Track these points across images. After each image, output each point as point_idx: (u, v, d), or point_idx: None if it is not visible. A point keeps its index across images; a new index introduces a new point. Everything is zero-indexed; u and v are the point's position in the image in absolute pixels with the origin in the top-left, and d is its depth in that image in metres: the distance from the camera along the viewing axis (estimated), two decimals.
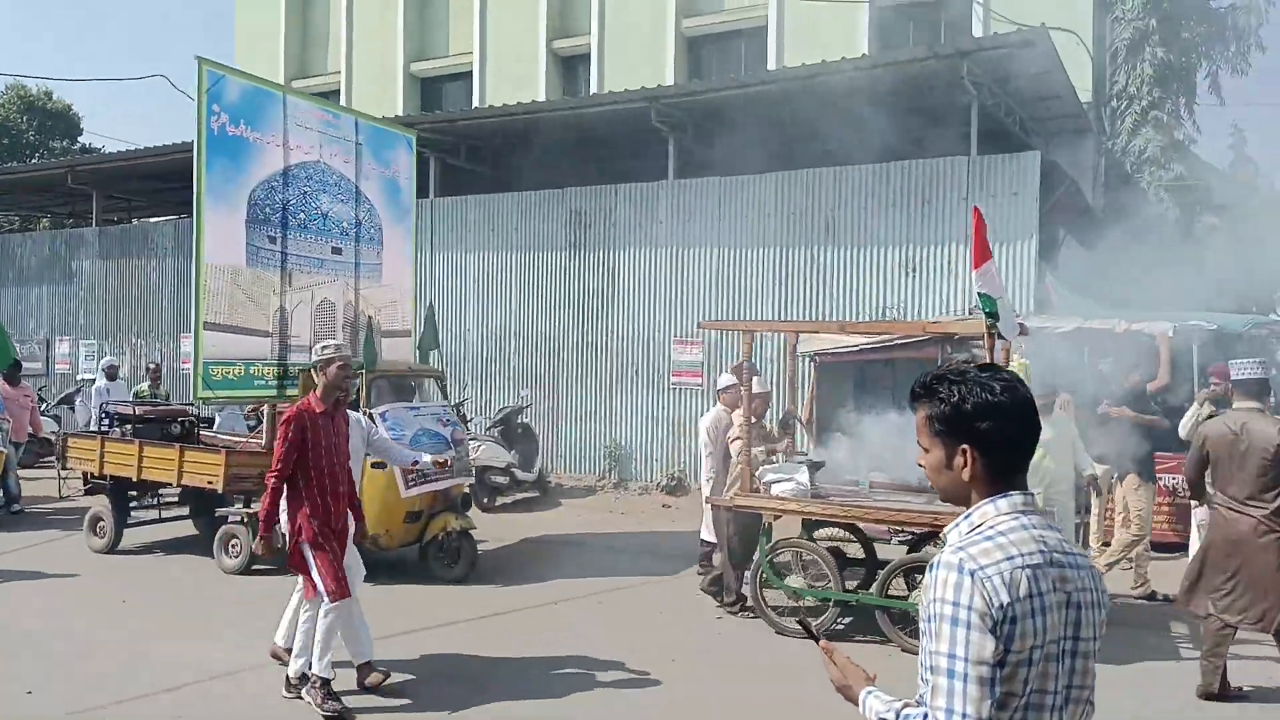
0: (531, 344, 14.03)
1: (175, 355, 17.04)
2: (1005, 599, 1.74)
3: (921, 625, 1.83)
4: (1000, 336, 5.95)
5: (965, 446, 1.86)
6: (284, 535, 5.54)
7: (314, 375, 5.57)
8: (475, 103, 19.92)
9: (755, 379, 7.31)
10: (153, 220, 20.88)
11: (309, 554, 5.38)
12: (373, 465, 7.73)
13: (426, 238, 14.68)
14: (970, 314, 11.06)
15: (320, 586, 5.37)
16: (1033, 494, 1.88)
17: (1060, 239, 13.43)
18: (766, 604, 7.00)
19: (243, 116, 8.34)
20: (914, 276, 11.78)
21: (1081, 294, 12.09)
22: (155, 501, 9.71)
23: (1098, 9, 15.54)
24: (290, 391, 8.79)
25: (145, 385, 13.18)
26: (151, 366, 13.52)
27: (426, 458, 6.37)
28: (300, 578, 5.53)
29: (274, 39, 23.02)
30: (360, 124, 9.55)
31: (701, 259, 13.11)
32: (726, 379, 8.26)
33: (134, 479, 9.04)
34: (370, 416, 7.82)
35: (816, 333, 9.74)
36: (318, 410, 5.41)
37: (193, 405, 11.12)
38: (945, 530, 1.91)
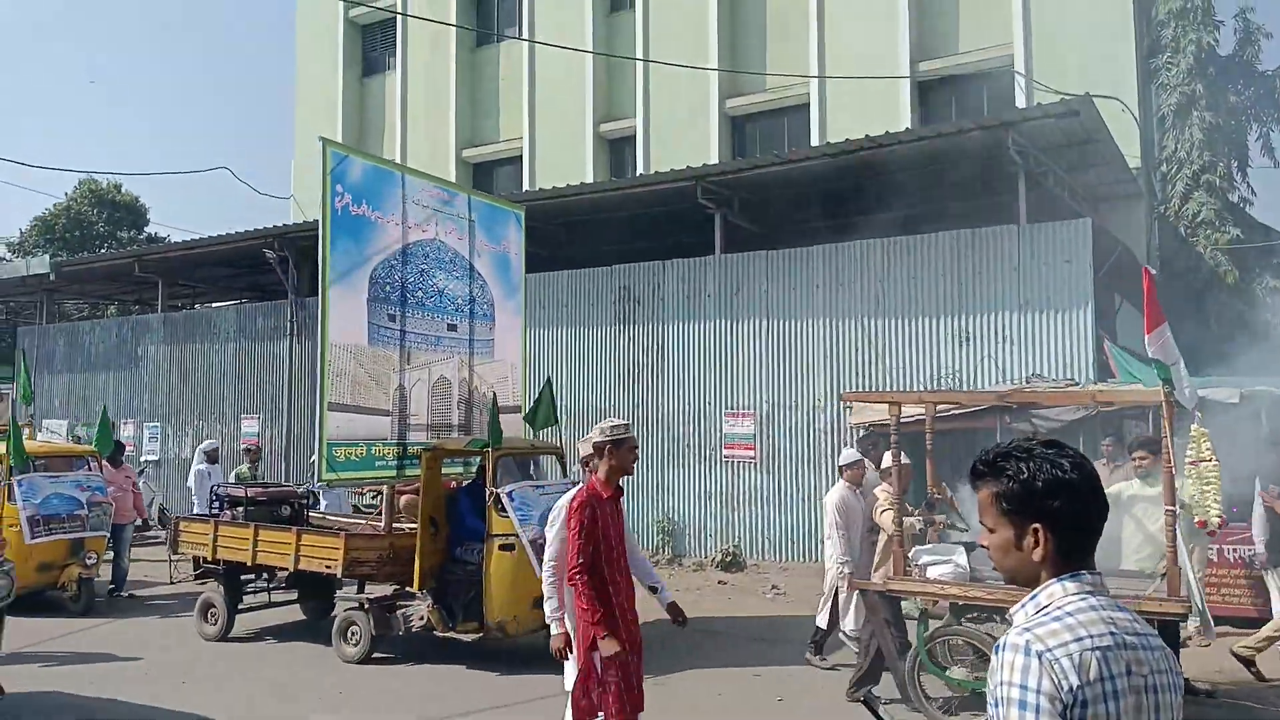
0: (584, 418, 14.11)
1: (235, 436, 17.43)
2: (1075, 681, 1.69)
3: (989, 710, 1.77)
4: (1178, 404, 5.78)
5: (1036, 526, 1.83)
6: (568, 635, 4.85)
7: (594, 458, 4.98)
8: (525, 186, 20.46)
9: (883, 452, 7.10)
10: (215, 305, 21.60)
11: (591, 664, 4.64)
12: (500, 547, 7.63)
13: None
14: (1029, 381, 10.92)
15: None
16: (1099, 574, 1.85)
17: (1117, 305, 13.29)
18: (927, 697, 6.31)
19: (365, 196, 8.41)
20: (968, 345, 11.71)
21: (1144, 361, 11.88)
22: (266, 586, 9.48)
23: (1142, 76, 15.61)
24: (410, 471, 8.68)
25: (245, 467, 12.81)
26: (251, 448, 13.19)
27: (663, 588, 5.22)
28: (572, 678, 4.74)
29: (331, 129, 23.99)
30: (473, 201, 9.65)
31: (750, 332, 13.18)
32: (850, 454, 8.01)
33: (248, 563, 8.85)
34: (498, 496, 7.73)
35: (968, 404, 9.42)
36: (604, 495, 4.86)
37: (300, 486, 11.13)
38: (1011, 611, 1.87)
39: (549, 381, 9.26)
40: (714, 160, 17.65)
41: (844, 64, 17.16)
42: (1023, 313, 11.41)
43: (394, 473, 8.64)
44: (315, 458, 8.23)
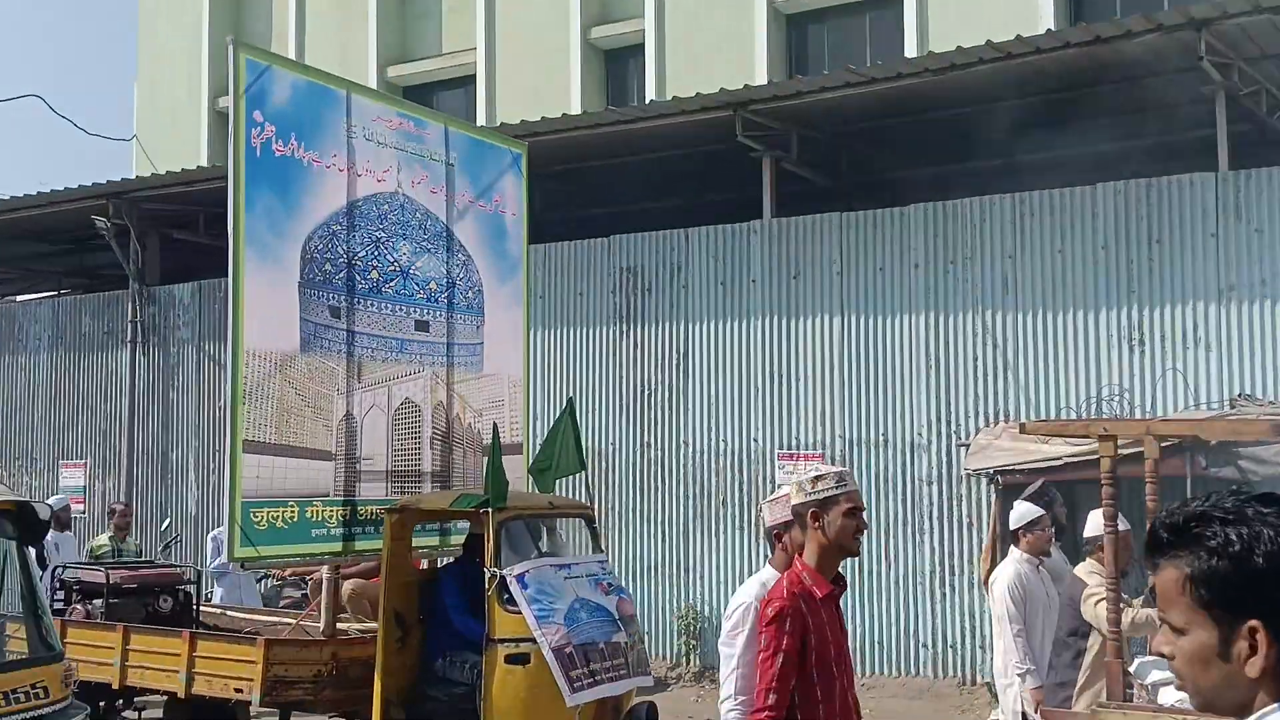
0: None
1: (49, 488, 17.32)
2: None
3: None
4: None
5: (1253, 624, 1.81)
6: None
7: (789, 528, 4.90)
8: (481, 118, 20.45)
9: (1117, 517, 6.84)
10: (20, 299, 21.59)
11: None
12: (508, 659, 7.53)
13: None
14: (1233, 404, 10.82)
15: None
16: None
17: None
18: None
19: (295, 128, 8.23)
20: (1140, 350, 11.67)
21: None
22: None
23: None
24: (364, 544, 8.60)
25: (105, 538, 12.44)
26: (117, 508, 12.80)
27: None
28: None
29: (193, 36, 24.00)
30: (452, 135, 9.55)
31: (816, 333, 13.15)
32: (1028, 509, 7.70)
33: (113, 684, 8.80)
34: (503, 581, 7.64)
35: (1231, 436, 9.22)
36: (819, 592, 4.47)
37: (184, 569, 10.95)
38: None
39: (571, 406, 9.18)
40: (761, 80, 17.63)
41: None
42: (1224, 302, 11.36)
43: (339, 546, 8.50)
44: (217, 532, 8.19)
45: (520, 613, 7.57)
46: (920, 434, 12.62)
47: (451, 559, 9.03)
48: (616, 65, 20.70)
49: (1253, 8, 10.93)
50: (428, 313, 9.25)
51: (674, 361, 13.89)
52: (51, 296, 20.88)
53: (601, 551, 9.04)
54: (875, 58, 16.99)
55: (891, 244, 12.88)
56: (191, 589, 10.05)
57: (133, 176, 18.71)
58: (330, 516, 8.39)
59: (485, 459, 8.80)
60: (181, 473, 16.82)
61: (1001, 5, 16.61)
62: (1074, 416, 11.59)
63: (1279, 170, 11.38)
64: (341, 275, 8.58)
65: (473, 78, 21.45)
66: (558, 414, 9.16)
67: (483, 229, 9.79)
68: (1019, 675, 7.40)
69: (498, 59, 21.08)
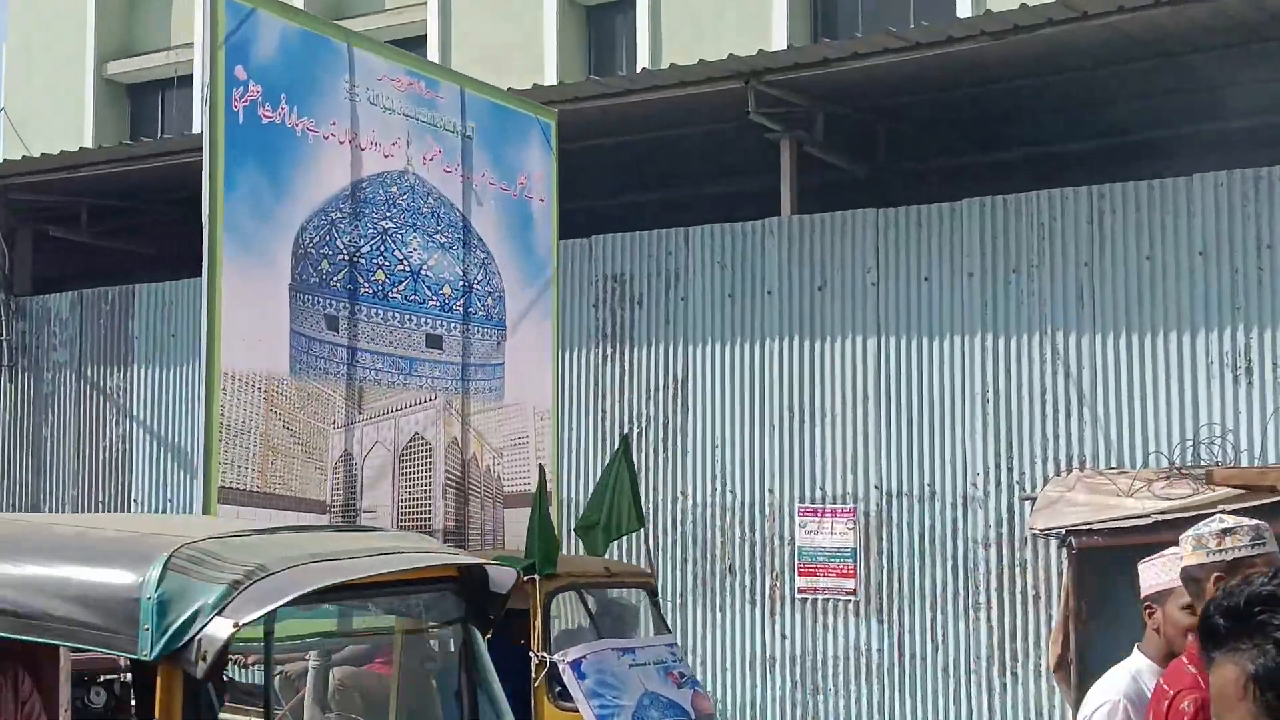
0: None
1: None
2: None
3: None
4: None
5: None
6: None
7: (1168, 601, 4.66)
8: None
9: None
10: None
11: None
12: None
13: None
14: None
15: None
16: None
17: None
18: None
19: (285, 89, 8.27)
20: (1249, 380, 11.73)
21: None
22: None
23: None
24: (361, 621, 8.41)
25: None
26: None
27: None
28: None
29: (75, 7, 24.10)
30: (469, 98, 9.62)
31: (847, 356, 13.18)
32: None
33: None
34: (553, 669, 7.71)
35: None
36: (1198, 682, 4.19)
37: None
38: None
39: (627, 445, 9.18)
40: (780, 45, 17.69)
41: None
42: None
43: (333, 624, 8.36)
44: None
45: (575, 709, 7.60)
46: (975, 484, 12.64)
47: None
48: (601, 25, 20.76)
49: None
50: (441, 325, 9.31)
51: (670, 392, 13.88)
52: None
53: (669, 631, 9.09)
54: (920, 18, 17.04)
55: (940, 247, 12.92)
56: (128, 678, 10.07)
57: None
58: None
59: (497, 508, 9.07)
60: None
61: None
62: (1166, 464, 11.60)
63: None
64: (342, 276, 8.61)
65: (423, 38, 21.44)
66: (627, 455, 9.15)
67: (505, 218, 9.85)
68: None
69: (453, 16, 21.10)
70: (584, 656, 7.79)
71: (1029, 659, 12.27)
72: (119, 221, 18.20)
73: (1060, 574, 11.70)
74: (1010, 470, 12.49)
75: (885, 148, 15.18)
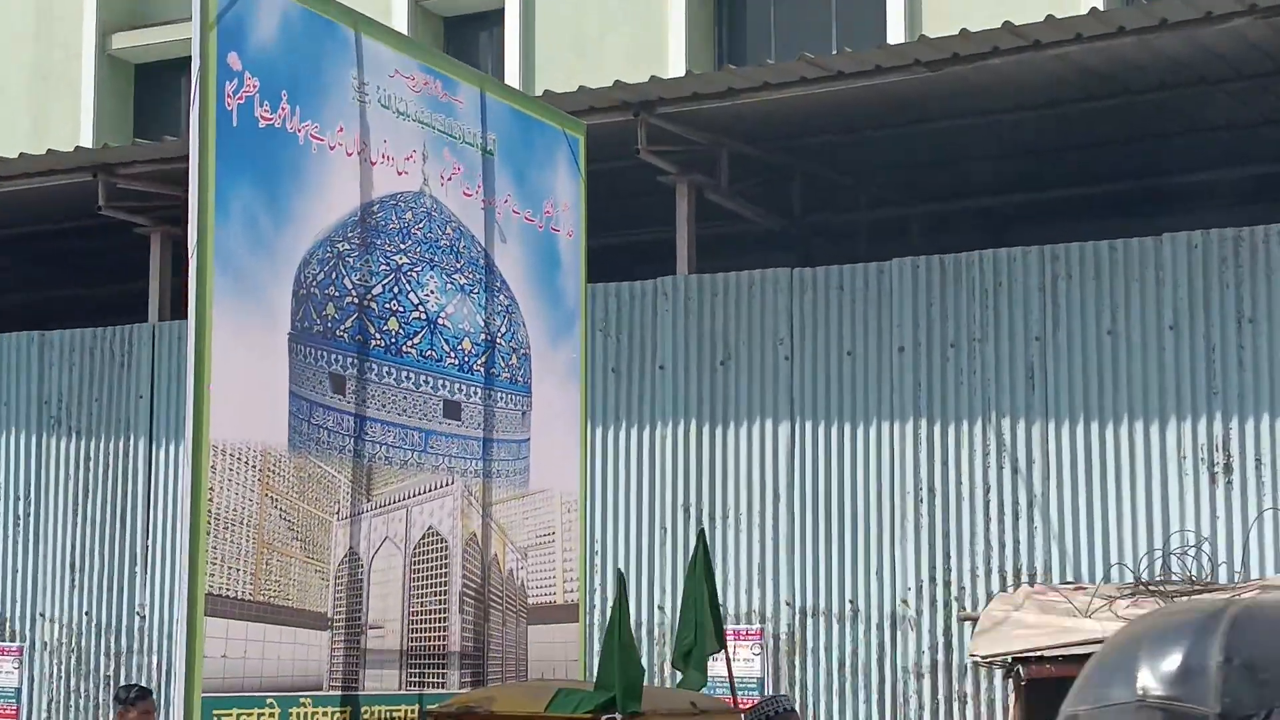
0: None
1: None
2: None
3: None
4: None
5: None
6: None
7: None
8: None
9: None
10: None
11: None
12: None
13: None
14: None
15: None
16: None
17: None
18: None
19: (286, 85, 8.15)
20: (1229, 479, 11.93)
21: None
22: None
23: None
24: None
25: None
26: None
27: None
28: None
29: None
30: (491, 103, 9.57)
31: (750, 443, 13.29)
32: None
33: None
34: None
35: None
36: None
37: None
38: None
39: (703, 540, 9.13)
40: (678, 71, 17.87)
41: None
42: None
43: None
44: None
45: None
46: (906, 601, 12.75)
47: None
48: (460, 40, 20.87)
49: None
50: (460, 389, 9.22)
51: None
52: None
53: None
54: (845, 44, 17.35)
55: (866, 315, 13.06)
56: None
57: None
58: None
59: (520, 624, 8.99)
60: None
61: None
62: (1131, 579, 11.75)
63: None
64: (350, 323, 8.50)
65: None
66: (705, 554, 9.08)
67: (530, 256, 9.81)
68: None
69: None
70: None
71: None
72: None
73: (1006, 709, 11.80)
74: (947, 585, 12.58)
75: (802, 196, 15.40)
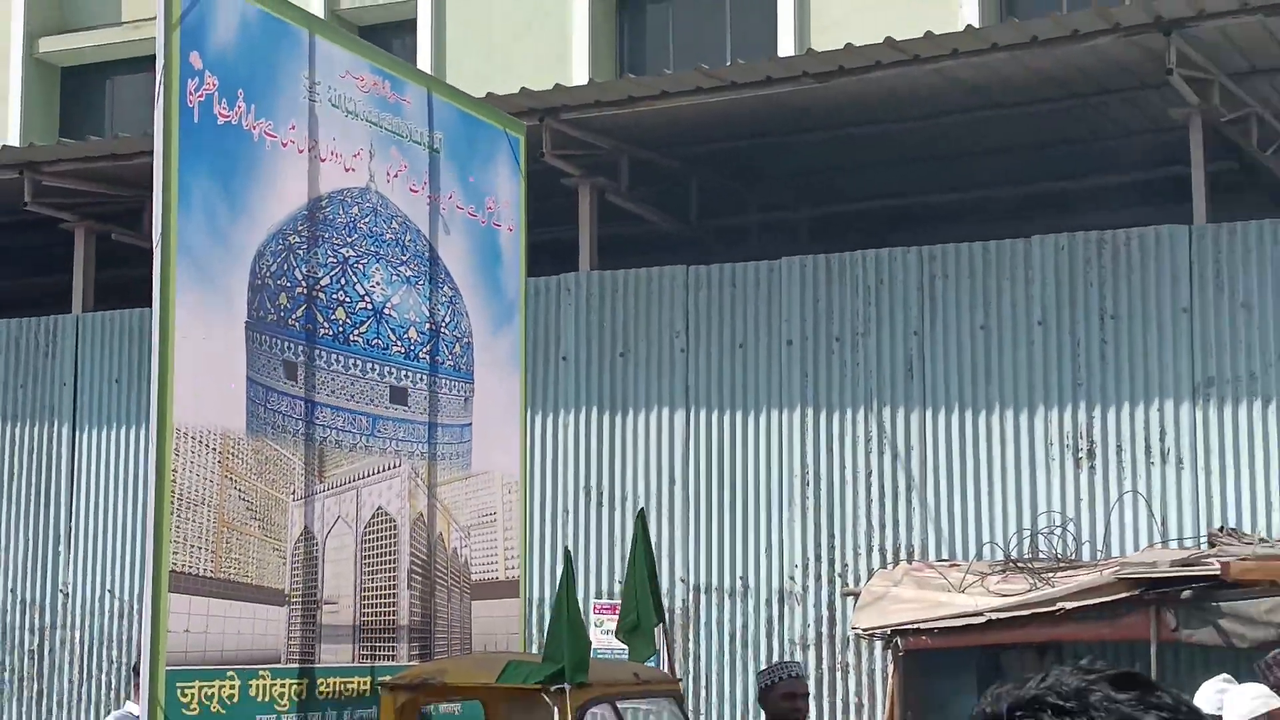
0: None
1: None
2: None
3: None
4: None
5: None
6: None
7: None
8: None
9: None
10: None
11: None
12: None
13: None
14: (1211, 540, 11.35)
15: None
16: None
17: None
18: None
19: (243, 84, 7.95)
20: (1091, 464, 12.16)
21: None
22: None
23: None
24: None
25: None
26: None
27: None
28: None
29: None
30: (437, 103, 9.43)
31: (648, 431, 13.44)
32: (1244, 701, 7.74)
33: None
34: None
35: None
36: None
37: None
38: None
39: (642, 522, 9.03)
40: (580, 79, 17.97)
41: None
42: (1200, 401, 11.94)
43: None
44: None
45: None
46: (792, 578, 12.87)
47: None
48: (376, 43, 20.86)
49: (1239, 5, 11.61)
50: (406, 376, 9.05)
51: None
52: None
53: None
54: (738, 56, 17.48)
55: (756, 311, 13.21)
56: None
57: None
58: (281, 695, 8.04)
59: (464, 599, 8.80)
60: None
61: None
62: (1001, 556, 11.95)
63: (1270, 225, 12.02)
64: (300, 313, 8.31)
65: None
66: (644, 533, 8.94)
67: (473, 249, 9.67)
68: None
69: None
70: None
71: None
72: None
73: (885, 679, 11.99)
74: (831, 562, 12.74)
75: (698, 199, 15.50)
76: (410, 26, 19.79)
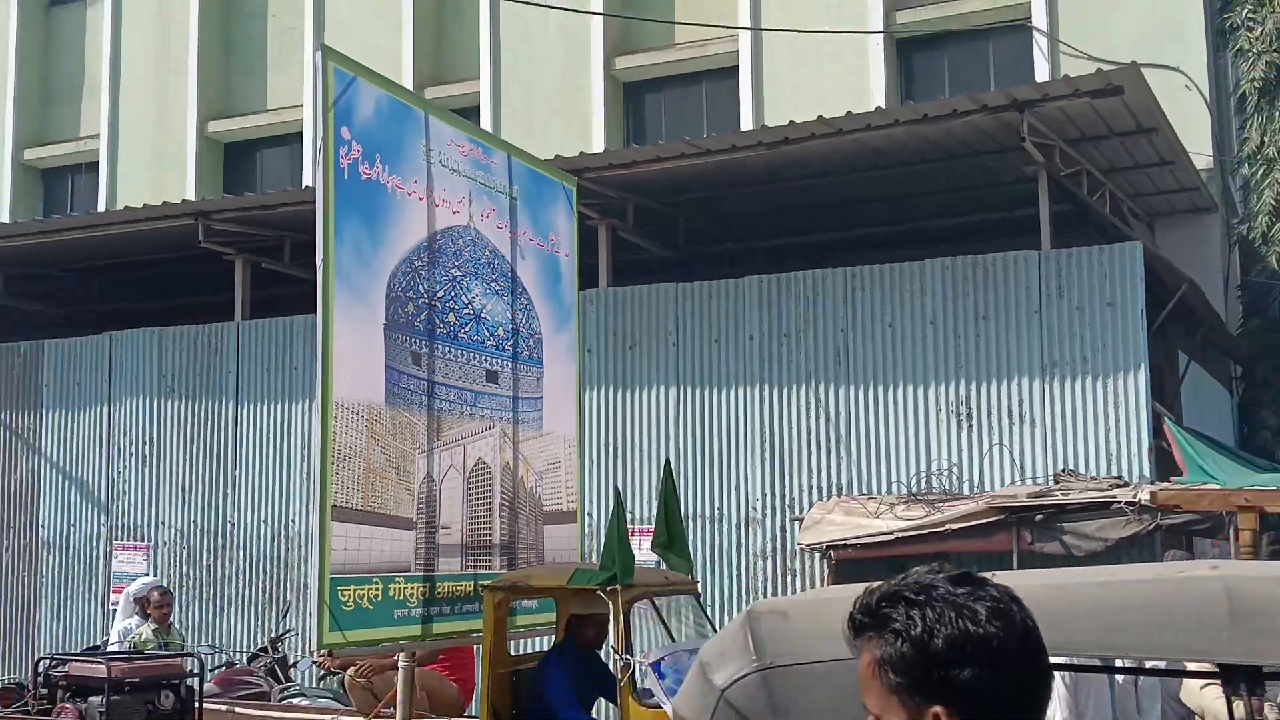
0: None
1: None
2: None
3: None
4: None
5: (937, 710, 1.79)
6: None
7: None
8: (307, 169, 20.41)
9: None
10: None
11: None
12: None
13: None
14: (1057, 479, 11.45)
15: None
16: None
17: (1183, 368, 14.04)
18: None
19: (380, 149, 7.89)
20: (969, 426, 12.23)
21: (1219, 450, 12.48)
22: None
23: (1213, 39, 16.66)
24: (441, 626, 8.10)
25: (149, 630, 11.84)
26: (153, 595, 11.94)
27: None
28: None
29: None
30: (514, 165, 9.35)
31: (649, 403, 13.46)
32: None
33: None
34: (635, 670, 7.13)
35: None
36: None
37: (190, 658, 10.12)
38: None
39: (669, 468, 8.89)
40: (598, 147, 18.06)
41: (789, 11, 17.86)
42: (1048, 378, 12.00)
43: (418, 630, 7.98)
44: (288, 612, 7.30)
45: (659, 706, 6.96)
46: (755, 508, 12.94)
47: (550, 649, 8.48)
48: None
49: (1072, 91, 11.72)
50: (496, 362, 8.96)
51: None
52: None
53: (716, 631, 8.51)
54: (711, 129, 17.57)
55: (727, 316, 13.23)
56: (194, 683, 9.43)
57: None
58: (411, 595, 7.95)
59: (538, 525, 8.73)
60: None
61: (834, 81, 17.27)
62: (905, 491, 12.07)
63: (1098, 250, 12.13)
64: (423, 317, 8.23)
65: (299, 135, 21.37)
66: (670, 481, 8.76)
67: (541, 271, 9.56)
68: None
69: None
70: (663, 658, 7.26)
71: None
72: (30, 286, 17.94)
73: (822, 580, 12.01)
74: (783, 497, 12.81)
75: (684, 234, 15.54)
76: (475, 110, 19.78)
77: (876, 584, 1.94)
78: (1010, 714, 1.78)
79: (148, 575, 14.04)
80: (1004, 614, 1.81)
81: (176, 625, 12.65)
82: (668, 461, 9.62)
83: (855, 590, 2.00)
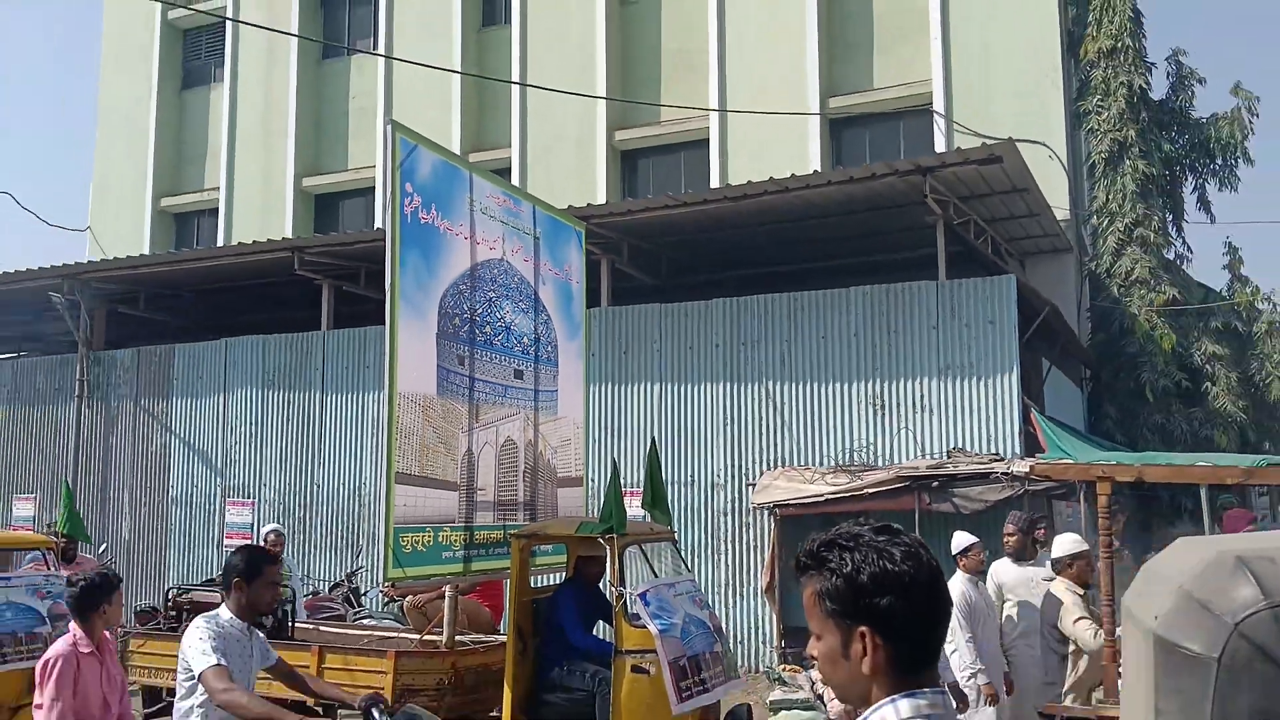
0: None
1: (2, 519, 16.60)
2: None
3: None
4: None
5: (863, 629, 1.81)
6: None
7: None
8: (377, 223, 20.44)
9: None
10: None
11: None
12: (633, 669, 6.88)
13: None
14: (950, 456, 11.49)
15: None
16: (943, 691, 1.86)
17: (1045, 371, 14.11)
18: None
19: (434, 200, 7.91)
20: (883, 414, 12.24)
21: (1072, 434, 12.59)
22: None
23: (1071, 120, 16.80)
24: (478, 565, 8.02)
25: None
26: (269, 537, 11.47)
27: None
28: None
29: (140, 148, 23.56)
30: (538, 213, 9.31)
31: (640, 396, 13.47)
32: (963, 538, 7.72)
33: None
34: (627, 600, 7.03)
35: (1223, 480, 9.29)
36: None
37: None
38: None
39: (654, 446, 8.78)
40: (601, 200, 18.05)
41: (748, 97, 17.91)
42: (943, 378, 12.03)
43: (460, 567, 7.93)
44: (360, 553, 7.04)
45: (645, 627, 6.96)
46: (718, 476, 12.95)
47: (563, 582, 8.36)
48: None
49: (963, 160, 11.79)
50: (523, 364, 8.93)
51: None
52: (11, 358, 20.11)
53: (690, 571, 8.53)
54: (688, 186, 17.63)
55: (699, 330, 13.27)
56: (289, 608, 9.26)
57: (85, 260, 18.21)
58: (455, 541, 7.93)
59: (552, 488, 8.70)
60: (117, 506, 16.35)
61: (781, 149, 17.26)
62: (833, 463, 12.11)
63: (981, 281, 12.18)
64: (466, 329, 8.19)
65: (371, 189, 21.40)
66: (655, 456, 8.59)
67: (557, 294, 9.50)
68: (972, 674, 7.35)
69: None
70: (649, 590, 7.20)
71: (749, 586, 12.57)
72: (164, 303, 17.94)
73: (769, 532, 12.06)
74: (740, 467, 12.82)
75: (667, 266, 15.55)
76: (508, 170, 19.81)
77: (817, 535, 1.96)
78: (917, 633, 1.82)
79: (275, 522, 13.98)
80: (915, 556, 1.84)
81: (287, 560, 12.62)
82: (653, 440, 9.56)
83: None
